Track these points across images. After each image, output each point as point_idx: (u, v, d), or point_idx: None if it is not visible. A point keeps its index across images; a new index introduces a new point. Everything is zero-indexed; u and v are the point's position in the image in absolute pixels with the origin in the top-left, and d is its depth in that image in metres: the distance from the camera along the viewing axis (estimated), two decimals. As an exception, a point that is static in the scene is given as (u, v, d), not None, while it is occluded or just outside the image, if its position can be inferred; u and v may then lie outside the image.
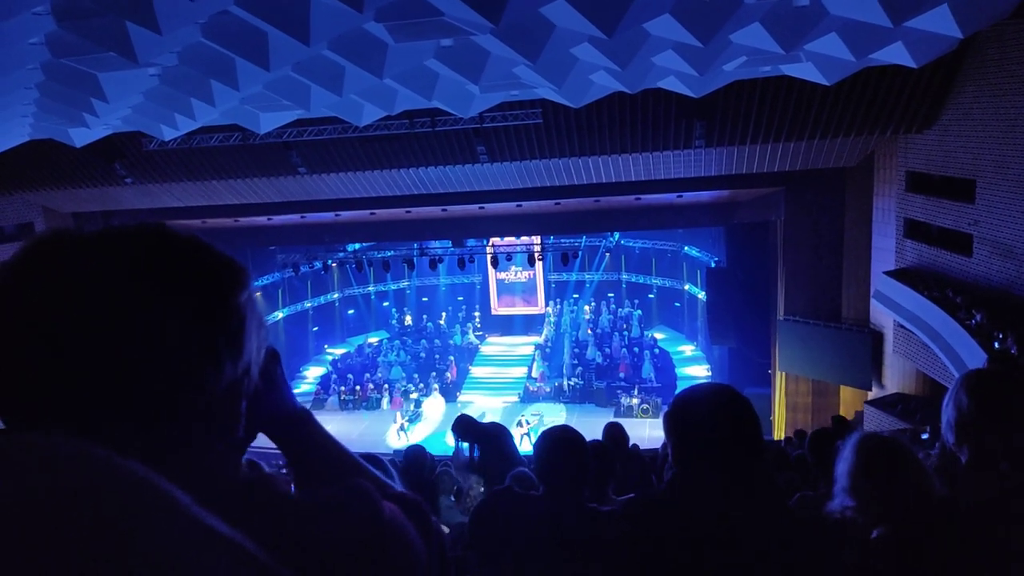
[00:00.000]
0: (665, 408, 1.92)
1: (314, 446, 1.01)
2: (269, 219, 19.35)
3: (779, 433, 17.02)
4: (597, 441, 3.67)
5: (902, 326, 13.63)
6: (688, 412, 1.74)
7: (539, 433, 2.69)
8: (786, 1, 7.30)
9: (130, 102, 9.79)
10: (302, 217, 19.14)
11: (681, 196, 17.67)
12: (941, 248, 12.97)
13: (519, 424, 19.95)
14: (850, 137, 13.76)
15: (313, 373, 26.20)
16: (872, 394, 15.59)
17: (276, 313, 25.63)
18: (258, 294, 24.20)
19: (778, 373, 17.75)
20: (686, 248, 25.99)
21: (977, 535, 1.75)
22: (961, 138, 12.13)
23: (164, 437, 0.73)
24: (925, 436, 8.52)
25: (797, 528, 1.72)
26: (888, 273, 14.00)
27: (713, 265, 22.48)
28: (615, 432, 5.46)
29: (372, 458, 1.57)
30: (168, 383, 0.72)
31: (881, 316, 15.00)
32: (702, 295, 23.68)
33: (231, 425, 0.82)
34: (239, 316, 0.79)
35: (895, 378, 15.05)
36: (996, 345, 10.30)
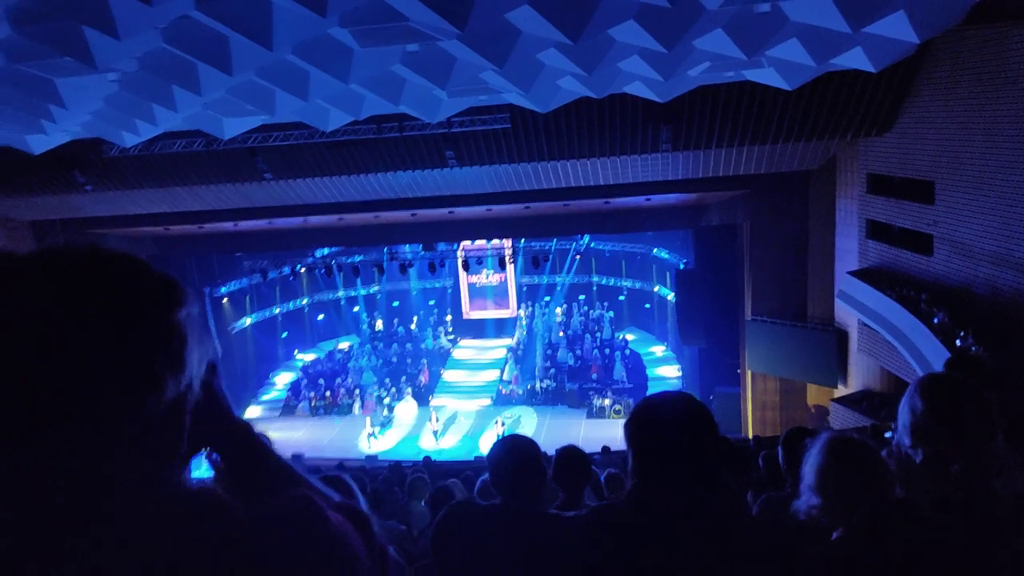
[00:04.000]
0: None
1: (256, 458, 1.02)
2: (235, 225, 19.07)
3: (748, 431, 17.24)
4: (571, 446, 3.62)
5: (866, 325, 13.88)
6: (647, 423, 1.75)
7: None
8: (748, 7, 7.40)
9: (90, 108, 9.59)
10: (269, 223, 18.90)
11: (649, 199, 17.81)
12: (902, 248, 13.24)
13: (497, 423, 20.11)
14: (812, 141, 13.99)
15: (283, 379, 25.90)
16: (838, 392, 15.86)
17: (244, 319, 25.30)
18: (224, 301, 24.04)
19: (747, 372, 17.99)
20: (655, 250, 26.22)
21: (930, 536, 1.79)
22: (919, 140, 12.40)
23: (108, 454, 0.74)
24: (888, 435, 8.67)
25: (758, 536, 1.74)
26: (852, 273, 14.25)
27: (682, 267, 22.71)
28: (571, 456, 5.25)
29: (336, 479, 1.56)
30: (106, 407, 0.73)
31: (846, 315, 15.27)
32: (672, 296, 23.90)
33: (175, 439, 0.83)
34: (179, 334, 0.80)
35: (860, 376, 15.32)
36: (958, 343, 10.53)
